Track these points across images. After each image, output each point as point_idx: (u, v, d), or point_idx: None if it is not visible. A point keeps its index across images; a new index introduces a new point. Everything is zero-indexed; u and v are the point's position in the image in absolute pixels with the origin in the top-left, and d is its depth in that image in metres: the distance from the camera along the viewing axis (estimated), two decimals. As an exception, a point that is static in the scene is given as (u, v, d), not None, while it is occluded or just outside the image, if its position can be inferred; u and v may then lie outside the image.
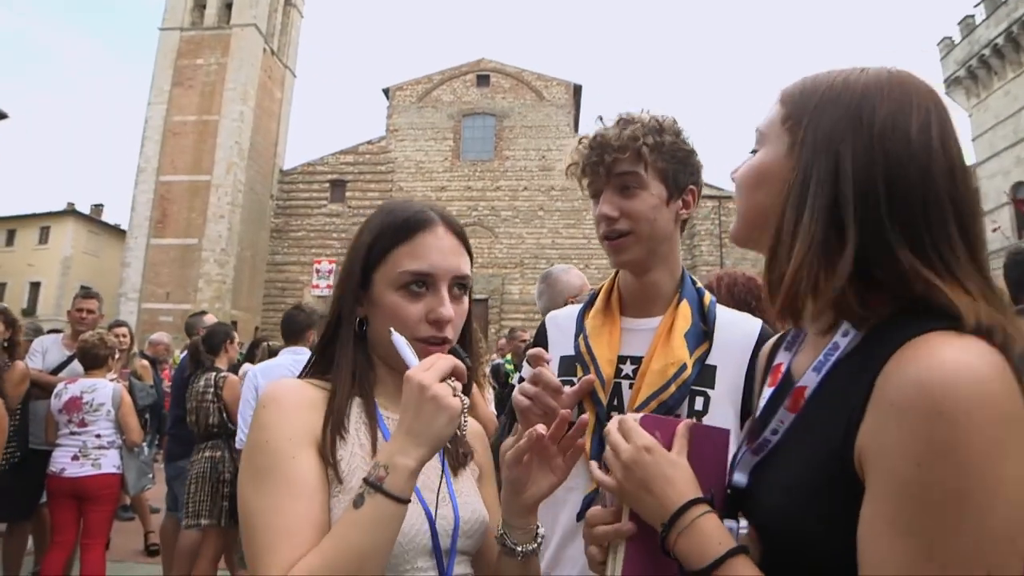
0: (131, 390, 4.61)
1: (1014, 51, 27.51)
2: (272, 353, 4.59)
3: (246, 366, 5.03)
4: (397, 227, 1.06)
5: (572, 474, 1.24)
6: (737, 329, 1.39)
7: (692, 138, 1.45)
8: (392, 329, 0.99)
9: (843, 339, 0.78)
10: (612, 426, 0.90)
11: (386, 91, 34.10)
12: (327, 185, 32.72)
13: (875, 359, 0.71)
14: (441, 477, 1.03)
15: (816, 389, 0.80)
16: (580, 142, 1.44)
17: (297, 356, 3.84)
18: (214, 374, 4.28)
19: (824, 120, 0.80)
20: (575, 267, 3.23)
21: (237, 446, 3.87)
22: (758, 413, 0.91)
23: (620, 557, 0.86)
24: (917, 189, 0.74)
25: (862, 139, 0.76)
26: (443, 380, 0.89)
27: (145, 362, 6.53)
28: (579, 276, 3.09)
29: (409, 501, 0.87)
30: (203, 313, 5.59)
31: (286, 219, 32.46)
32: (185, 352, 5.31)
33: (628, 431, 0.88)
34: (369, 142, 33.59)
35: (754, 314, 1.52)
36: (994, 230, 28.63)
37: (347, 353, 1.07)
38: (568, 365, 1.44)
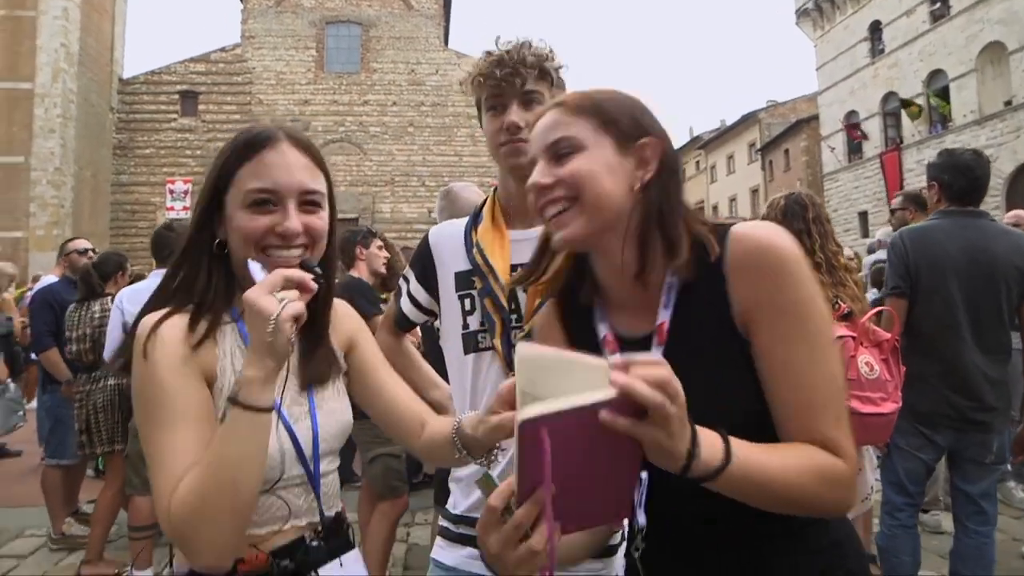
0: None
1: (854, -14, 29.23)
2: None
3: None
4: (240, 147, 1.09)
5: None
6: None
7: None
8: (250, 259, 1.04)
9: (671, 279, 1.02)
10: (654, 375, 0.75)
11: (239, -8, 31.09)
12: (176, 97, 29.74)
13: (713, 262, 0.97)
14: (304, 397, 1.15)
15: (672, 316, 1.01)
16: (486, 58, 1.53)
17: None
18: (111, 299, 4.07)
19: (624, 121, 1.01)
20: (472, 184, 3.31)
21: None
22: None
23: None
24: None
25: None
26: (273, 292, 0.94)
27: (7, 295, 6.26)
28: (478, 193, 3.11)
29: (267, 409, 0.94)
30: (73, 239, 5.34)
31: (131, 135, 29.30)
32: (32, 286, 5.15)
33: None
34: (223, 49, 30.63)
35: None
36: (832, 149, 31.37)
37: (202, 277, 1.10)
38: (464, 279, 1.54)
